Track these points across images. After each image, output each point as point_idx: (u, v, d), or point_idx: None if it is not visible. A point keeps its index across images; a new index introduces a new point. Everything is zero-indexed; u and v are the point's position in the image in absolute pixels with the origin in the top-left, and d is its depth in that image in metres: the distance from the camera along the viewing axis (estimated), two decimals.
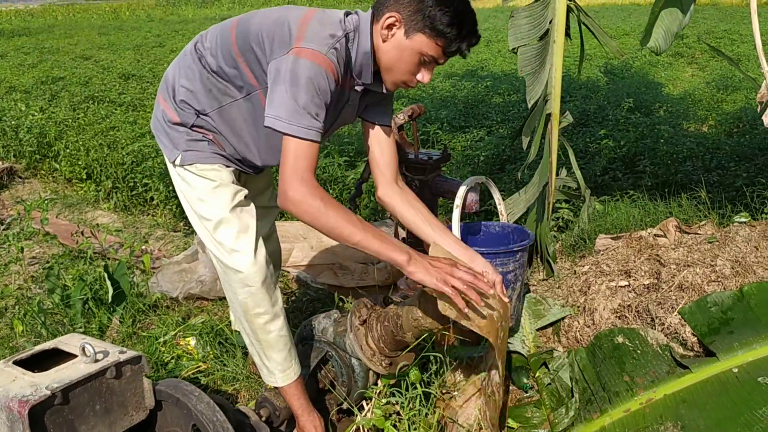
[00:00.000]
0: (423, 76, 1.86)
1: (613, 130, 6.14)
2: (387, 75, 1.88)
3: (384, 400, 2.25)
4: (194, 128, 2.02)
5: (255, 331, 2.07)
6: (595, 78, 9.57)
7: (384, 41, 1.81)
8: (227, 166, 2.07)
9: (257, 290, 2.01)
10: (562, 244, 3.36)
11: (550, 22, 2.87)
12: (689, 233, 2.93)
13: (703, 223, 2.93)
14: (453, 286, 1.67)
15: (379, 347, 2.18)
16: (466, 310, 1.68)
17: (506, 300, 1.92)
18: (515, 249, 2.45)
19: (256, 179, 2.33)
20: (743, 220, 2.80)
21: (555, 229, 3.61)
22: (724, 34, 14.11)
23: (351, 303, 3.14)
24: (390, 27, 1.79)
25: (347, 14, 1.87)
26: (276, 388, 2.15)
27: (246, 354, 2.58)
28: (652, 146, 5.63)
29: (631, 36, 14.00)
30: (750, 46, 12.73)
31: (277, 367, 2.11)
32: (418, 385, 2.19)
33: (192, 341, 2.70)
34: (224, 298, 3.25)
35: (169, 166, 2.10)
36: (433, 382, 2.26)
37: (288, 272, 3.57)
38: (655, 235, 2.99)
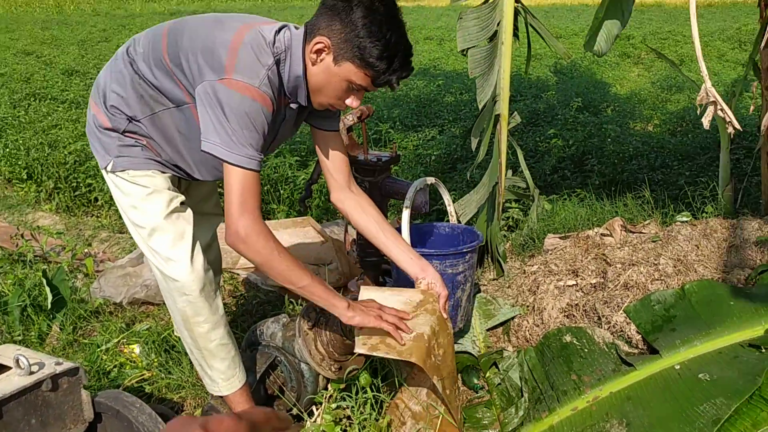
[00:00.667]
0: (351, 102, 1.82)
1: (562, 130, 6.24)
2: (315, 97, 1.85)
3: (334, 405, 2.23)
4: (126, 134, 1.95)
5: (195, 339, 2.03)
6: (545, 78, 9.71)
7: (313, 64, 1.77)
8: (163, 172, 2.01)
9: (196, 298, 1.96)
10: (512, 244, 3.39)
11: (498, 24, 2.88)
12: (634, 232, 2.98)
13: (647, 222, 2.99)
14: (387, 321, 1.82)
15: (329, 351, 2.16)
16: (388, 340, 1.82)
17: (445, 316, 1.99)
18: (465, 250, 2.45)
19: (199, 185, 2.27)
20: (685, 219, 2.87)
21: (505, 228, 3.64)
22: (668, 35, 14.50)
23: (301, 306, 3.10)
24: (319, 52, 1.74)
25: (279, 30, 1.80)
26: (221, 396, 2.10)
27: None
28: (600, 145, 5.74)
29: (580, 36, 14.25)
30: (691, 47, 13.13)
31: (220, 375, 2.06)
32: (368, 389, 2.17)
33: (136, 349, 2.62)
34: None
35: (103, 173, 2.03)
36: (383, 385, 2.25)
37: (238, 274, 3.50)
38: (601, 234, 3.04)
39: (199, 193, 2.27)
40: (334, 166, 2.07)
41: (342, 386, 2.24)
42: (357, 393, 2.15)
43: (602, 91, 9.26)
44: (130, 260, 3.33)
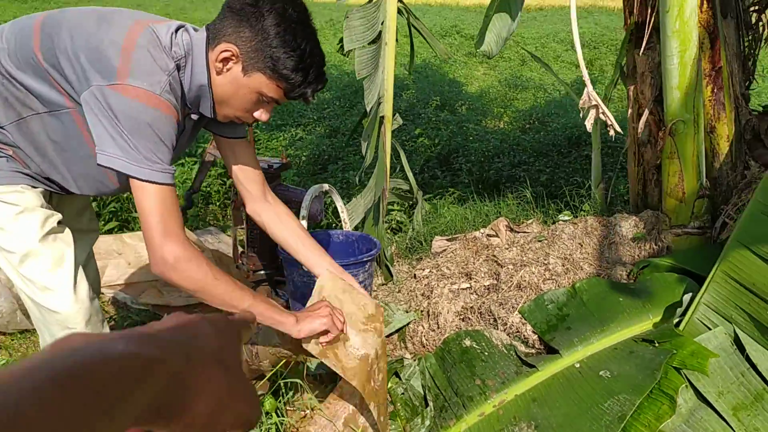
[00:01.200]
0: (261, 115, 1.65)
1: (427, 129, 6.34)
2: (220, 108, 1.65)
3: None
4: None
5: None
6: (402, 76, 9.87)
7: (218, 74, 1.58)
8: (33, 187, 1.72)
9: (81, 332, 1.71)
10: (397, 247, 3.36)
11: (382, 24, 2.82)
12: (518, 232, 3.05)
13: (529, 221, 3.07)
14: (336, 325, 1.70)
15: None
16: (338, 351, 1.71)
17: (383, 336, 1.90)
18: (365, 259, 2.36)
19: (72, 199, 1.99)
20: (566, 218, 2.98)
21: (389, 231, 3.60)
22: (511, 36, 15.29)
23: None
24: (225, 61, 1.55)
25: (177, 30, 1.59)
26: None
27: None
28: (464, 144, 5.90)
29: (450, 37, 14.66)
30: (532, 47, 13.96)
31: None
32: (273, 414, 2.03)
33: None
34: (26, 330, 2.80)
35: None
36: (287, 409, 2.11)
37: (103, 293, 3.17)
38: (487, 235, 3.08)
39: (72, 207, 1.98)
40: (246, 175, 1.89)
41: None
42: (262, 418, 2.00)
43: (456, 89, 9.57)
44: None
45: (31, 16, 1.64)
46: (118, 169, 1.48)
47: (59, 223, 1.74)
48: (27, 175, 1.70)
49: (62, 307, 1.68)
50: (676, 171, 2.49)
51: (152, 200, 1.49)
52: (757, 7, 2.89)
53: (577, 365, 2.27)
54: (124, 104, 1.45)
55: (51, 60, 1.54)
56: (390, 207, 3.67)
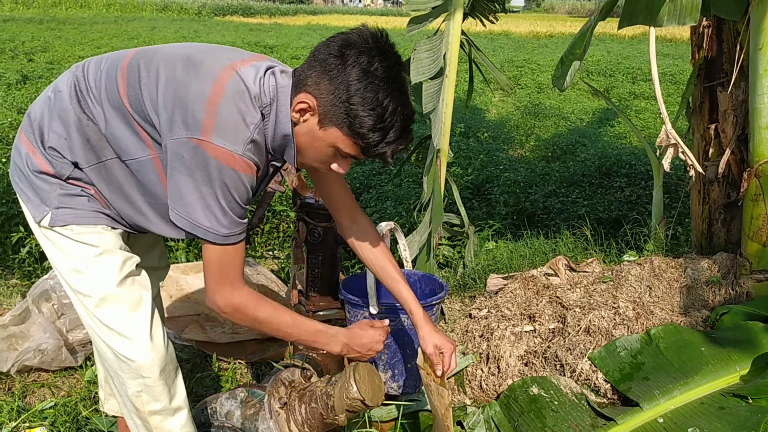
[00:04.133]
0: (337, 168, 1.57)
1: (458, 158, 6.24)
2: (298, 156, 1.59)
3: None
4: (70, 180, 1.57)
5: (151, 431, 1.67)
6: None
7: (296, 124, 1.51)
8: (113, 228, 1.64)
9: (155, 382, 1.62)
10: (448, 284, 3.24)
11: (444, 57, 2.74)
12: (578, 271, 2.94)
13: (590, 260, 2.95)
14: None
15: None
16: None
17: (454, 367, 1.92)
18: (434, 302, 2.25)
19: (143, 236, 1.89)
20: (632, 258, 2.86)
21: (436, 267, 3.49)
22: (524, 63, 15.29)
23: (231, 363, 2.75)
24: (302, 112, 1.48)
25: (264, 73, 1.51)
26: None
27: None
28: (496, 173, 5.80)
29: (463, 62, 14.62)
30: (547, 74, 13.94)
31: None
32: None
33: None
34: (70, 368, 2.68)
35: (34, 227, 1.61)
36: None
37: None
38: (546, 274, 2.97)
39: (144, 243, 1.89)
40: (336, 200, 1.90)
41: None
42: None
43: (477, 116, 9.51)
44: (12, 317, 2.78)
45: (117, 56, 1.56)
46: (186, 230, 1.48)
47: (137, 266, 1.64)
48: (107, 215, 1.61)
49: (138, 356, 1.58)
50: (761, 214, 2.38)
51: (215, 256, 1.52)
52: None
53: (661, 420, 2.15)
54: (205, 162, 1.41)
55: (137, 107, 1.47)
56: (438, 242, 3.57)
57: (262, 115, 1.48)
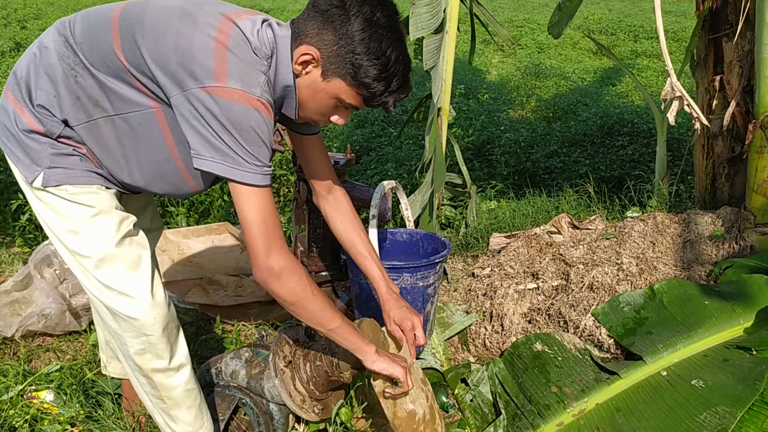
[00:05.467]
0: (337, 120, 1.57)
1: (459, 118, 6.19)
2: (298, 109, 1.57)
3: None
4: (61, 139, 1.53)
5: (156, 388, 1.67)
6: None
7: (297, 76, 1.49)
8: (107, 188, 1.61)
9: (158, 339, 1.61)
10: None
11: (444, 11, 2.68)
12: (582, 229, 2.92)
13: (592, 217, 2.94)
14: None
15: (309, 390, 1.87)
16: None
17: (422, 342, 1.89)
18: (436, 261, 2.24)
19: (135, 196, 1.86)
20: (635, 214, 2.84)
21: (439, 227, 3.48)
22: (524, 23, 15.06)
23: (235, 326, 2.75)
24: (305, 64, 1.46)
25: (261, 25, 1.48)
26: None
27: (119, 399, 2.13)
28: (497, 134, 5.75)
29: (464, 23, 14.43)
30: (549, 34, 13.74)
31: (186, 428, 1.73)
32: (348, 425, 1.92)
33: (48, 396, 2.16)
34: (74, 332, 2.69)
35: (25, 187, 1.59)
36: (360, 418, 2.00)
37: None
38: (549, 232, 2.95)
39: (136, 205, 1.86)
40: (315, 169, 1.85)
41: (320, 427, 1.97)
42: (335, 428, 1.89)
43: (478, 77, 9.41)
44: (14, 283, 2.78)
45: (104, 10, 1.51)
46: (219, 174, 1.41)
47: (134, 225, 1.63)
48: (100, 175, 1.58)
49: (139, 312, 1.57)
50: (766, 166, 2.35)
51: (254, 204, 1.44)
52: None
53: (664, 373, 2.15)
54: (226, 107, 1.36)
55: (136, 62, 1.42)
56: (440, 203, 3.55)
57: (269, 65, 1.46)
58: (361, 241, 1.90)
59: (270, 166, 1.46)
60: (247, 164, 1.40)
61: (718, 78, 2.58)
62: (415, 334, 1.84)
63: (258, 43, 1.44)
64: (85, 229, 1.56)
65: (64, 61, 1.48)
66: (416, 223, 2.98)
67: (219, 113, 1.36)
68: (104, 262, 1.56)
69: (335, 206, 1.89)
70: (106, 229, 1.57)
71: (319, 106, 1.53)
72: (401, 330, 1.85)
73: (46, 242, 2.87)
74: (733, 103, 2.48)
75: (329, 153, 2.41)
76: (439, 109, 2.87)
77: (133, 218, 1.64)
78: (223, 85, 1.35)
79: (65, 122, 1.51)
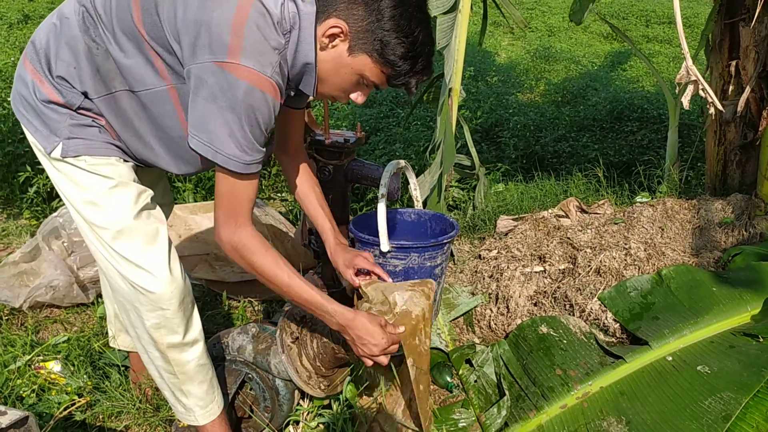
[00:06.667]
0: (357, 97, 1.56)
1: (468, 101, 6.15)
2: (318, 85, 1.55)
3: (313, 423, 1.96)
4: (81, 111, 1.53)
5: (169, 363, 1.68)
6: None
7: (322, 49, 1.47)
8: (125, 161, 1.62)
9: (173, 314, 1.62)
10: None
11: None
12: (590, 213, 2.91)
13: (601, 202, 2.93)
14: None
15: (315, 366, 1.88)
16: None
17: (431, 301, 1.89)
18: (445, 241, 2.23)
19: (148, 170, 1.87)
20: (644, 200, 2.83)
21: (446, 209, 3.47)
22: (534, 5, 14.92)
23: (241, 302, 2.76)
24: (332, 37, 1.45)
25: (283, 1, 1.46)
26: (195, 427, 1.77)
27: (126, 371, 2.14)
28: (505, 116, 5.72)
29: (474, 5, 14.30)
30: (559, 17, 13.62)
31: (197, 402, 1.74)
32: (352, 402, 1.93)
33: (56, 366, 2.18)
34: (82, 304, 2.70)
35: (43, 158, 1.59)
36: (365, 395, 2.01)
37: None
38: (557, 215, 2.95)
39: (148, 179, 1.87)
40: (287, 133, 1.86)
41: (325, 403, 1.98)
42: (339, 406, 1.91)
43: (487, 60, 9.34)
44: (22, 255, 2.79)
45: None
46: (206, 156, 1.42)
47: (152, 199, 1.63)
48: (118, 147, 1.59)
49: (157, 288, 1.58)
50: None
51: (228, 188, 1.47)
52: None
53: (670, 358, 2.15)
54: (233, 85, 1.35)
55: (155, 33, 1.42)
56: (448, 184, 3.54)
57: (286, 42, 1.45)
58: (314, 195, 1.92)
59: (261, 152, 1.46)
60: (236, 149, 1.40)
61: (733, 63, 2.56)
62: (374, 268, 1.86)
63: (280, 17, 1.41)
64: (103, 200, 1.56)
65: (85, 33, 1.47)
66: (424, 204, 2.97)
67: (227, 88, 1.35)
68: (122, 234, 1.57)
69: (296, 165, 1.89)
70: (124, 201, 1.57)
71: (342, 82, 1.52)
72: (357, 270, 1.87)
73: (54, 214, 2.87)
74: (747, 89, 2.45)
75: (338, 131, 2.41)
76: (450, 90, 2.85)
77: (150, 192, 1.64)
78: (236, 61, 1.34)
79: (85, 94, 1.51)
